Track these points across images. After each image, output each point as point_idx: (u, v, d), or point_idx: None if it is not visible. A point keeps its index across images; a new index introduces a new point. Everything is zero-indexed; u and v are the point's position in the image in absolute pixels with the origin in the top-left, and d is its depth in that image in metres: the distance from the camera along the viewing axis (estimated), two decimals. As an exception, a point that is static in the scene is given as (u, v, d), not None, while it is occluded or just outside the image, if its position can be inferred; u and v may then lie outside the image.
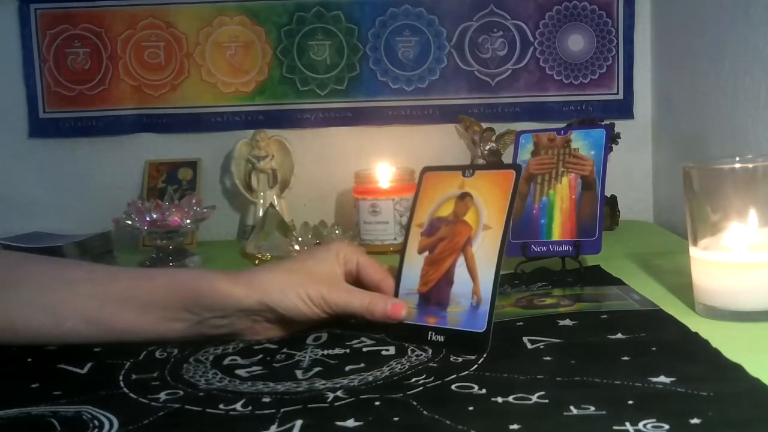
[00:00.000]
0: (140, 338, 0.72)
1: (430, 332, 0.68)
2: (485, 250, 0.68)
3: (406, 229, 0.75)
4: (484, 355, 0.64)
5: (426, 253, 0.72)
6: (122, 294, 0.71)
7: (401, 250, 0.74)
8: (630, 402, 0.52)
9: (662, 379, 0.56)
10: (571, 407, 0.52)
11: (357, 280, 0.75)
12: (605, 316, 0.74)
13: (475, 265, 0.68)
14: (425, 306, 0.70)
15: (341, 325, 0.74)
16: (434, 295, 0.70)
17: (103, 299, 0.71)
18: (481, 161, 1.35)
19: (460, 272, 0.69)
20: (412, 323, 0.70)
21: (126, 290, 0.72)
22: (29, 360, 0.69)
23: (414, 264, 0.72)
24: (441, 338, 0.68)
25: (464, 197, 0.71)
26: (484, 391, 0.56)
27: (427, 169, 0.77)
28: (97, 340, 0.72)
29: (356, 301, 0.71)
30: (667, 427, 0.48)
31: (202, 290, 0.70)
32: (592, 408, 0.51)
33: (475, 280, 0.68)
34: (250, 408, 0.55)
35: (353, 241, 1.16)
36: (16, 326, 0.71)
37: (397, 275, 0.73)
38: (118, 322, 0.71)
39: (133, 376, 0.64)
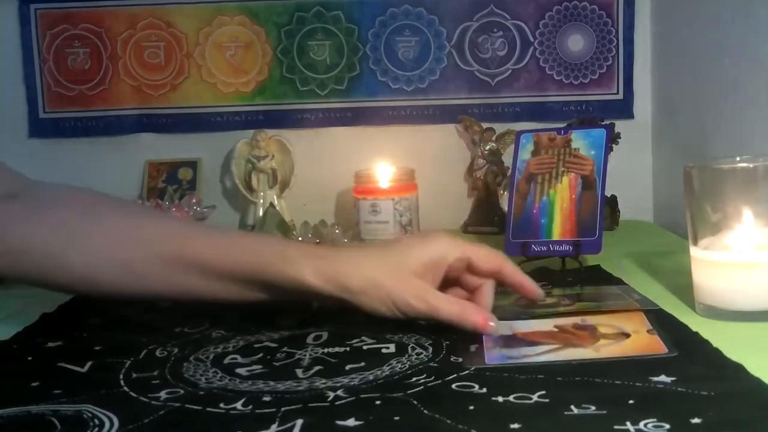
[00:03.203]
0: (218, 302, 0.74)
1: None
2: None
3: None
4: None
5: None
6: (196, 260, 0.72)
7: None
8: (630, 401, 0.52)
9: (663, 378, 0.56)
10: (572, 407, 0.52)
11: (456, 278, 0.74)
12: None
13: None
14: None
15: (342, 324, 0.74)
16: None
17: (175, 263, 0.72)
18: (481, 161, 1.35)
19: None
20: None
21: (201, 258, 0.72)
22: (29, 358, 0.69)
23: None
24: None
25: None
26: (484, 390, 0.56)
27: None
28: (176, 298, 0.75)
29: (444, 311, 0.69)
30: (667, 426, 0.48)
31: (287, 278, 0.70)
32: (593, 407, 0.51)
33: None
34: (250, 407, 0.55)
35: (353, 241, 1.16)
36: (98, 281, 0.74)
37: None
38: (194, 287, 0.73)
39: (134, 375, 0.64)
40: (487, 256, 0.73)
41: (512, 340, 0.68)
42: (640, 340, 0.66)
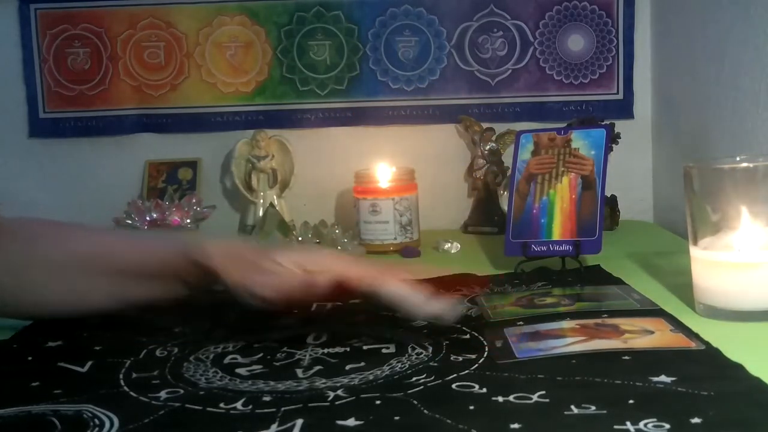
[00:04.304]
0: (159, 302, 0.77)
1: None
2: None
3: None
4: (485, 355, 0.64)
5: None
6: (124, 267, 0.76)
7: None
8: (631, 401, 0.52)
9: (663, 378, 0.56)
10: (572, 407, 0.52)
11: None
12: (605, 315, 0.74)
13: None
14: None
15: (342, 324, 0.74)
16: None
17: (110, 274, 0.76)
18: (481, 161, 1.35)
19: None
20: None
21: (128, 263, 0.77)
22: (30, 358, 0.69)
23: None
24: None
25: None
26: (484, 390, 0.56)
27: None
28: (121, 310, 0.77)
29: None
30: (667, 426, 0.48)
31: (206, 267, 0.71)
32: (593, 407, 0.51)
33: None
34: (250, 407, 0.55)
35: (353, 240, 1.16)
36: (49, 308, 0.78)
37: None
38: (131, 293, 0.76)
39: (134, 375, 0.64)
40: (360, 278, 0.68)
41: (537, 336, 0.68)
42: (665, 336, 0.66)
